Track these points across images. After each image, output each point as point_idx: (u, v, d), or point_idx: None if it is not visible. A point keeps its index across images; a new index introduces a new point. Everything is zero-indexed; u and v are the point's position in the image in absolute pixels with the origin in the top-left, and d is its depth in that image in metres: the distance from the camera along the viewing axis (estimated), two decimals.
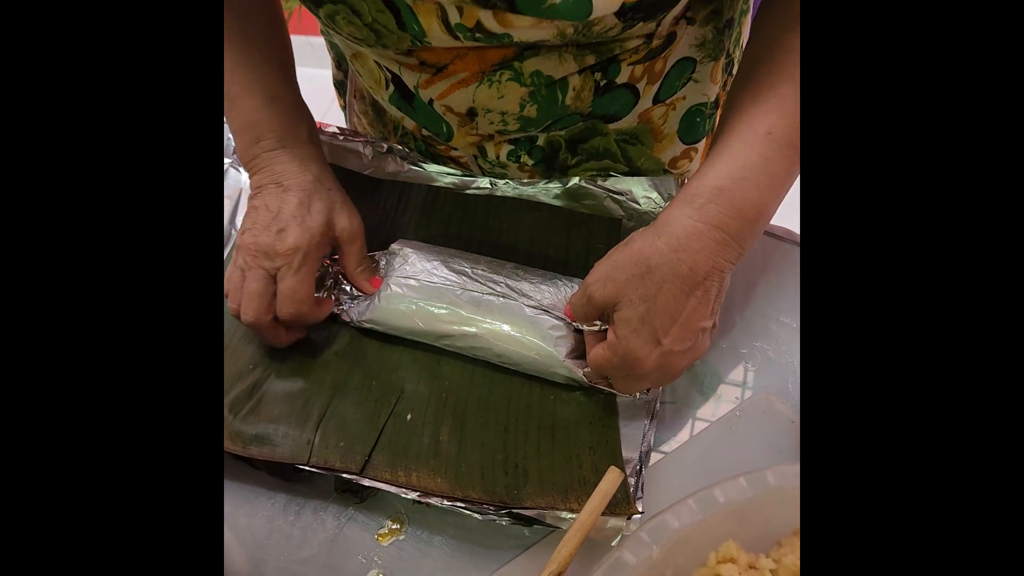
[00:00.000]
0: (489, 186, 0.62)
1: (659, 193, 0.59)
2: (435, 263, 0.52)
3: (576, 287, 0.50)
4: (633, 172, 0.62)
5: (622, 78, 0.53)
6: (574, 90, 0.53)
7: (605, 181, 0.60)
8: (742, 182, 0.43)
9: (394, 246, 0.55)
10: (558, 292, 0.51)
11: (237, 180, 0.64)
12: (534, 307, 0.50)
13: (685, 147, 0.63)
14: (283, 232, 0.49)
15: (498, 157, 0.59)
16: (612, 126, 0.58)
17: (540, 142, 0.58)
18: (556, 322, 0.50)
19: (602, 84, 0.53)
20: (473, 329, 0.50)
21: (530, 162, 0.60)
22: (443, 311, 0.51)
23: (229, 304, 0.51)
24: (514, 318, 0.50)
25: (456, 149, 0.61)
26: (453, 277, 0.51)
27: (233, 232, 0.61)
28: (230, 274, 0.51)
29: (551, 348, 0.49)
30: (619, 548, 0.38)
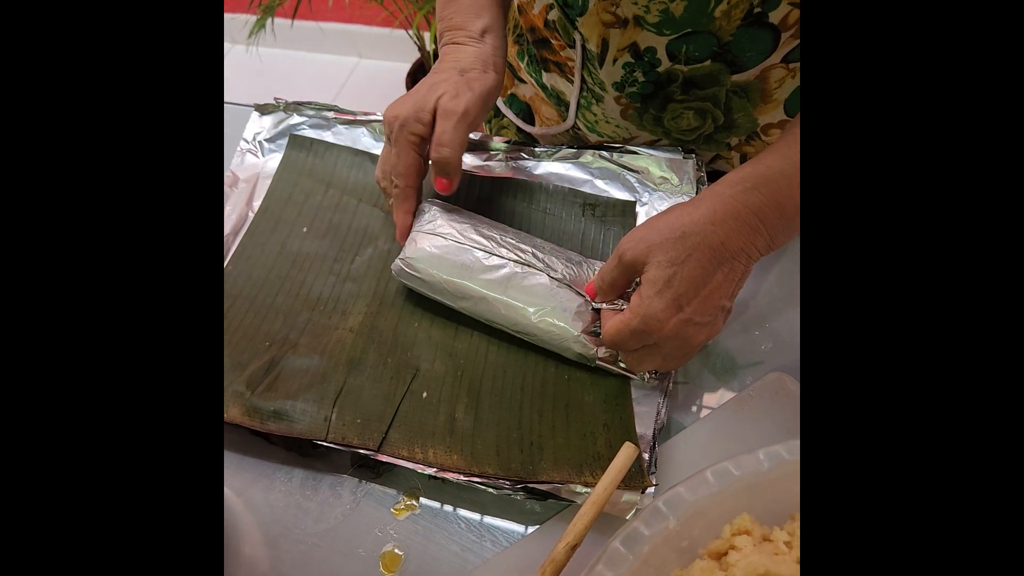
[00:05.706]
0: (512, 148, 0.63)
1: (675, 174, 0.59)
2: (465, 225, 0.53)
3: (598, 269, 0.51)
4: (727, 123, 0.61)
5: (776, 16, 0.51)
6: (728, 2, 0.50)
7: (622, 157, 0.60)
8: (790, 179, 0.44)
9: (424, 204, 0.56)
10: (581, 271, 0.51)
11: (254, 164, 0.65)
12: (556, 279, 0.51)
13: (785, 118, 0.61)
14: (399, 103, 0.54)
15: (615, 61, 0.57)
16: (734, 77, 0.56)
17: (660, 68, 0.57)
18: (576, 297, 0.50)
19: (755, 11, 0.51)
20: (493, 294, 0.51)
21: (641, 82, 0.58)
22: (466, 272, 0.51)
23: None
24: (534, 287, 0.50)
25: (570, 47, 0.60)
26: (482, 241, 0.52)
27: (250, 214, 0.62)
28: None
29: (567, 323, 0.49)
30: (636, 519, 0.38)
